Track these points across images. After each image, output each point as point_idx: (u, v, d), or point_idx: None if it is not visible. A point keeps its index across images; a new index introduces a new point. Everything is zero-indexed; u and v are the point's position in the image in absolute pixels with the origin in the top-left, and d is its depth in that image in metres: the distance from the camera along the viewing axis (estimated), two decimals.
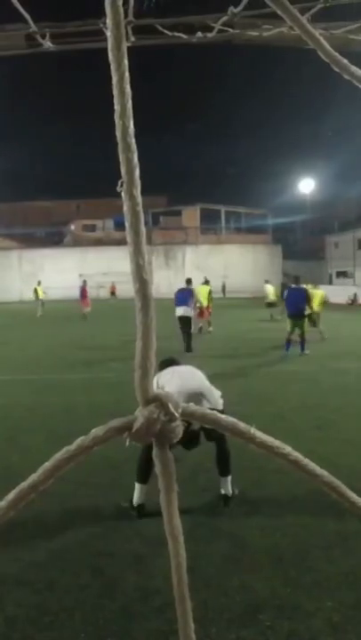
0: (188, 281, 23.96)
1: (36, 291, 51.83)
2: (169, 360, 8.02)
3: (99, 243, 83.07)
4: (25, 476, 0.97)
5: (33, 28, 6.06)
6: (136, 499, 7.12)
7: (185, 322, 22.57)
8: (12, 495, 0.96)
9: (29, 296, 61.31)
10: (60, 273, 72.79)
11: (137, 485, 7.11)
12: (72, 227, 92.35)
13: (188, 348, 21.96)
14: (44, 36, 6.34)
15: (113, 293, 67.97)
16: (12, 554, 6.16)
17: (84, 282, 44.09)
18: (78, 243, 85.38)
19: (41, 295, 51.33)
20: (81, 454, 0.97)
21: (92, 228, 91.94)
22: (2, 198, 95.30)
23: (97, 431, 0.97)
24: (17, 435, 10.79)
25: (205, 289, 29.37)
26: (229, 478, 7.46)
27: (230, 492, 7.42)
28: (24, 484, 0.96)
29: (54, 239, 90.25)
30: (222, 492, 7.43)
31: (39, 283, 53.87)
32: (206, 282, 31.24)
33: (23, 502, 0.96)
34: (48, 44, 6.43)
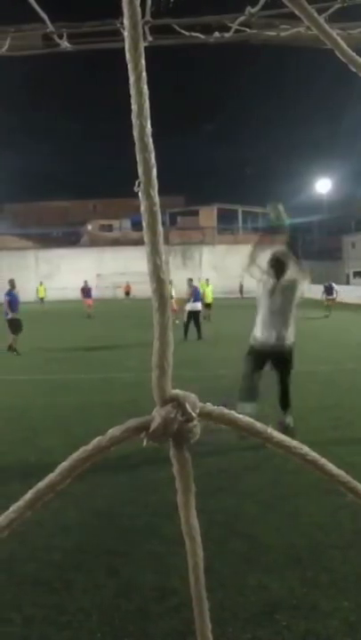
0: (191, 280, 29.64)
1: (38, 290, 52.81)
2: None
3: (116, 243, 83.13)
4: (42, 476, 0.97)
5: (50, 27, 6.08)
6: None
7: (196, 315, 27.85)
8: (29, 495, 0.96)
9: (47, 296, 61.54)
10: (76, 273, 72.78)
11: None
12: (89, 227, 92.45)
13: (200, 336, 27.26)
14: (61, 36, 6.36)
15: (127, 293, 67.96)
16: (29, 554, 6.17)
17: (85, 282, 44.39)
18: (95, 243, 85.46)
19: (42, 294, 52.10)
20: (98, 454, 0.97)
21: (109, 228, 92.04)
22: (18, 198, 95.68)
23: (114, 431, 0.97)
24: (34, 435, 10.82)
25: (210, 288, 37.28)
26: (289, 410, 9.29)
27: (291, 423, 8.94)
28: (41, 484, 0.96)
29: (71, 239, 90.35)
30: (286, 421, 9.02)
31: (41, 283, 54.72)
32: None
33: (40, 502, 0.96)
34: (65, 44, 6.46)
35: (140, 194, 0.93)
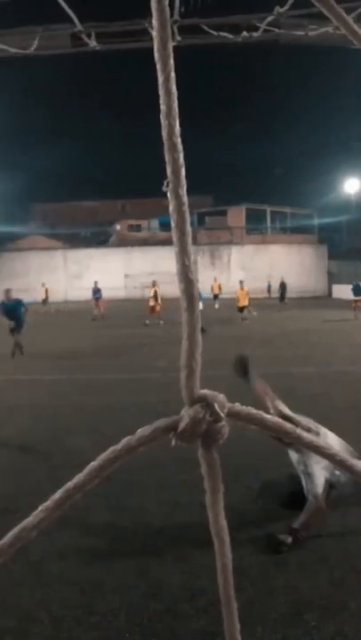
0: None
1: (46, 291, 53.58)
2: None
3: (144, 243, 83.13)
4: (70, 476, 0.98)
5: (79, 27, 6.10)
6: None
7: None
8: (57, 495, 0.97)
9: (75, 296, 61.81)
10: (105, 273, 72.82)
11: None
12: (117, 227, 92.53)
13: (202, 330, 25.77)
14: (89, 36, 6.37)
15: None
16: (58, 554, 6.20)
17: (95, 282, 44.54)
18: (123, 243, 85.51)
19: (44, 295, 52.76)
20: (127, 454, 0.97)
21: (138, 228, 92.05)
22: (47, 198, 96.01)
23: (143, 431, 0.97)
24: (63, 435, 10.86)
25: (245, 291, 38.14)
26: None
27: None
28: (70, 484, 0.97)
29: (100, 239, 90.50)
30: None
31: (43, 284, 55.39)
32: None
33: (69, 502, 0.97)
34: (93, 44, 6.47)
35: (168, 194, 0.93)
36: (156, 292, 35.86)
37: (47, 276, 72.31)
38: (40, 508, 0.97)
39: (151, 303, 36.64)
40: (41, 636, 4.91)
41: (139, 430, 0.97)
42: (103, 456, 0.98)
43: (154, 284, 37.86)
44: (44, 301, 55.55)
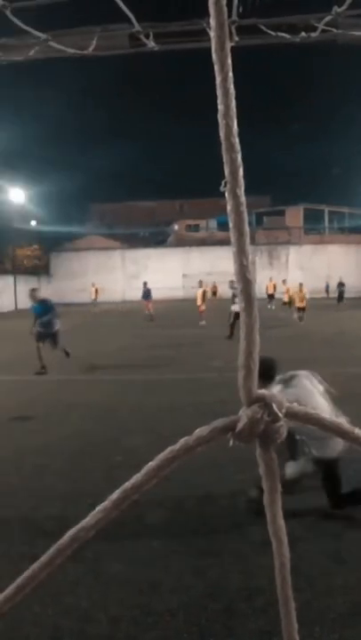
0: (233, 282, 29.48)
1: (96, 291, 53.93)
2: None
3: (202, 243, 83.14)
4: (128, 476, 0.98)
5: (136, 27, 6.12)
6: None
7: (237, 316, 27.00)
8: (115, 495, 0.97)
9: (133, 296, 62.08)
10: (163, 273, 73.04)
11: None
12: (175, 227, 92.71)
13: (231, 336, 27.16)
14: (147, 36, 6.39)
15: (215, 293, 67.84)
16: (116, 554, 6.22)
17: (145, 283, 44.56)
18: (182, 243, 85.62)
19: (94, 296, 53.11)
20: (185, 454, 0.97)
21: (196, 228, 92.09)
22: (105, 198, 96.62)
23: (201, 431, 0.97)
24: (121, 435, 10.91)
25: (304, 292, 36.80)
26: None
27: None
28: (127, 484, 0.97)
29: (157, 239, 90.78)
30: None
31: (93, 284, 55.75)
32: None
33: (127, 502, 0.97)
34: (151, 44, 6.48)
35: (226, 194, 0.93)
36: (204, 292, 35.51)
37: (105, 276, 72.81)
38: (98, 509, 0.98)
39: (199, 304, 36.08)
40: (98, 637, 4.93)
41: (197, 430, 0.98)
42: (161, 456, 0.98)
43: (200, 284, 37.19)
44: (94, 302, 55.90)
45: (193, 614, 5.15)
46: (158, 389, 15.51)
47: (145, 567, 6.00)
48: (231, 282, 31.23)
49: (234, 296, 28.25)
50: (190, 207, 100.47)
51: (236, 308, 26.90)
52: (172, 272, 73.78)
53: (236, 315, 27.61)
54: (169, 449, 0.98)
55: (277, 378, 7.09)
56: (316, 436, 6.54)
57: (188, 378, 17.05)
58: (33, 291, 20.31)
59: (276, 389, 6.57)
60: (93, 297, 57.12)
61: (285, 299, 44.14)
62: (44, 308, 19.53)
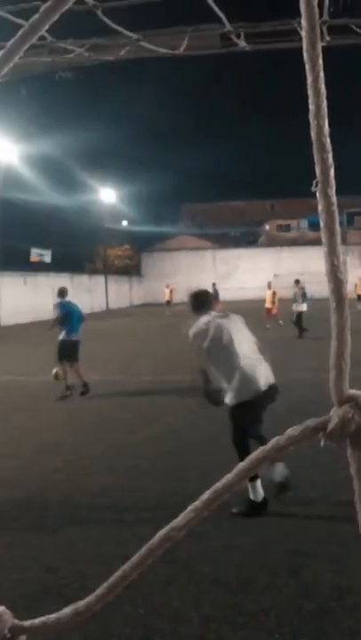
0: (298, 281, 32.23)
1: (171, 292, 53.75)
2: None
3: (293, 243, 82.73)
4: (220, 476, 0.99)
5: (228, 27, 6.12)
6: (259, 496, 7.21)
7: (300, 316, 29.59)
8: (206, 495, 0.98)
9: (223, 296, 62.04)
10: (254, 273, 72.92)
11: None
12: (266, 227, 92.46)
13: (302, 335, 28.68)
14: (238, 36, 6.38)
15: (303, 294, 67.39)
16: (207, 554, 6.23)
17: (214, 284, 44.33)
18: (273, 243, 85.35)
19: (168, 296, 52.85)
20: (276, 454, 0.97)
21: (287, 228, 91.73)
22: (196, 198, 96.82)
23: (292, 431, 0.97)
24: (217, 435, 10.93)
25: None
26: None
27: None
28: (218, 485, 0.98)
29: (249, 239, 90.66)
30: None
31: (167, 285, 55.51)
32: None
33: (217, 502, 0.98)
34: (243, 44, 6.48)
35: (317, 194, 0.93)
36: (273, 293, 34.98)
37: (196, 276, 72.97)
38: (189, 508, 0.98)
39: (268, 305, 35.49)
40: (190, 637, 4.95)
41: (288, 430, 0.97)
42: (252, 456, 0.98)
43: (269, 285, 36.74)
44: (169, 303, 55.64)
45: (285, 614, 5.13)
46: None
47: (237, 567, 6.00)
48: (296, 281, 31.88)
49: (296, 295, 28.57)
50: (281, 207, 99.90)
51: (296, 307, 29.16)
52: (263, 272, 73.38)
53: (298, 314, 29.09)
54: (260, 449, 0.98)
55: (214, 313, 7.89)
56: (225, 386, 7.51)
57: (282, 377, 16.94)
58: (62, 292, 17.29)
59: (206, 318, 7.66)
60: (168, 298, 56.52)
61: None
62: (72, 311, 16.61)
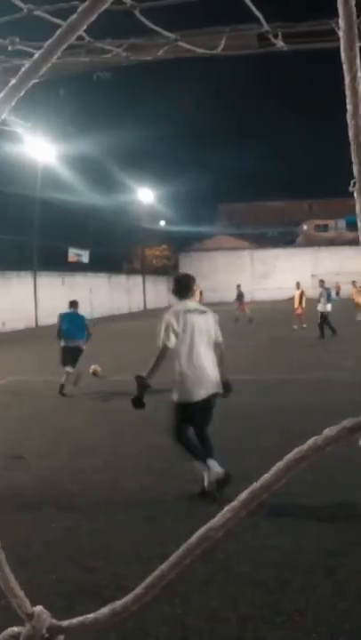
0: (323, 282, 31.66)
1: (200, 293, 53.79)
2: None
3: (331, 243, 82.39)
4: (258, 476, 0.99)
5: (265, 27, 6.10)
6: (214, 476, 7.79)
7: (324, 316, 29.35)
8: (244, 495, 0.98)
9: (261, 296, 61.98)
10: (291, 273, 72.69)
11: (203, 461, 7.92)
12: (304, 227, 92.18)
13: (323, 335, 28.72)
14: (276, 36, 6.36)
15: (337, 293, 67.15)
16: (245, 554, 6.24)
17: (238, 286, 44.15)
18: (310, 243, 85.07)
19: (198, 297, 52.94)
20: (313, 455, 0.97)
21: (325, 228, 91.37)
22: (234, 198, 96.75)
23: (329, 431, 0.97)
24: (253, 435, 10.93)
25: None
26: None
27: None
28: (256, 485, 0.98)
29: (286, 239, 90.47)
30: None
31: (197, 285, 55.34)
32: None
33: (255, 502, 0.98)
34: (280, 44, 6.45)
35: (355, 194, 0.93)
36: (301, 294, 34.49)
37: (234, 276, 72.96)
38: (226, 508, 0.98)
39: (296, 306, 34.89)
40: (227, 637, 4.95)
41: (325, 430, 0.97)
42: (290, 456, 0.98)
43: (298, 285, 35.58)
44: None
45: (322, 614, 5.12)
46: (290, 389, 15.52)
47: (274, 567, 5.99)
48: (321, 281, 31.53)
49: (320, 296, 28.55)
50: (319, 207, 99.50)
51: (321, 308, 29.06)
52: (301, 272, 73.12)
53: (322, 315, 29.06)
54: (297, 449, 0.98)
55: (192, 305, 8.55)
56: (176, 376, 8.15)
57: (320, 377, 16.91)
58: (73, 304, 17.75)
59: (182, 307, 8.30)
60: (197, 299, 56.26)
61: None
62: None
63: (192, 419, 8.19)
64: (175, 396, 8.15)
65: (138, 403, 8.23)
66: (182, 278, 8.93)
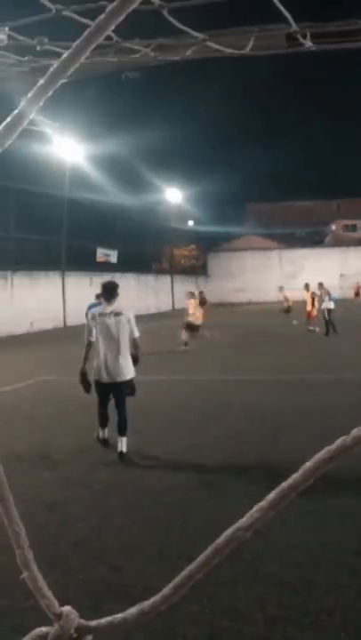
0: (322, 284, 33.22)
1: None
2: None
3: (359, 243, 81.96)
4: (285, 476, 0.99)
5: (294, 27, 6.08)
6: (101, 435, 10.67)
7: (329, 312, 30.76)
8: (272, 495, 0.98)
9: (289, 297, 61.73)
10: (320, 273, 72.31)
11: (101, 428, 10.64)
12: (333, 227, 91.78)
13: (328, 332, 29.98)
14: (304, 36, 6.34)
15: (357, 294, 66.81)
16: (272, 554, 6.22)
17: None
18: (339, 243, 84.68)
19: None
20: (341, 454, 0.97)
21: (353, 228, 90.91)
22: (262, 198, 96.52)
23: (357, 431, 0.96)
24: (278, 434, 10.91)
25: None
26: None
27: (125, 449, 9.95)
28: (284, 485, 0.97)
29: (314, 239, 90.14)
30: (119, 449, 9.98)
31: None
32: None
33: (283, 502, 0.97)
34: (309, 44, 6.43)
35: None
36: (313, 294, 33.93)
37: (263, 276, 72.86)
38: (255, 509, 0.98)
39: (308, 308, 34.10)
40: (255, 637, 4.95)
41: (353, 430, 0.97)
42: (318, 456, 0.98)
43: (307, 287, 34.80)
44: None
45: (349, 614, 5.11)
46: (314, 389, 15.47)
47: (300, 567, 5.98)
48: (320, 284, 33.17)
49: (323, 295, 31.14)
50: (347, 207, 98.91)
51: (325, 305, 30.73)
52: (329, 272, 72.79)
53: (329, 310, 30.58)
54: (326, 449, 0.97)
55: (110, 307, 10.36)
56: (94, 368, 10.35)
57: (343, 377, 16.82)
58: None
59: (104, 310, 10.40)
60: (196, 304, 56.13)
61: None
62: None
63: (101, 395, 10.49)
64: (91, 376, 10.42)
65: (85, 387, 10.62)
66: (107, 285, 10.83)
